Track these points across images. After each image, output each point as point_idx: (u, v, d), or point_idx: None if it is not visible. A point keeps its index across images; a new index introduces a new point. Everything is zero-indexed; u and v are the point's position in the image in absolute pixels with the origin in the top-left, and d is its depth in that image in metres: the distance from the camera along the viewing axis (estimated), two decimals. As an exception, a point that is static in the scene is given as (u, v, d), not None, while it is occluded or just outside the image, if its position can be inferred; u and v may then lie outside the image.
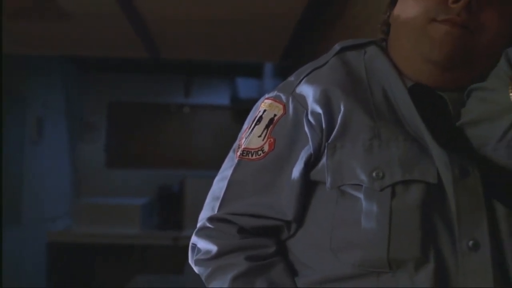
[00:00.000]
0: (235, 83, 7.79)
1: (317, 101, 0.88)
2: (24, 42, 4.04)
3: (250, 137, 0.95)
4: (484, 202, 0.76)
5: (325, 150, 0.85)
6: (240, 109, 7.66)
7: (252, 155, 0.93)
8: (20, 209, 5.20)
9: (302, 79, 0.94)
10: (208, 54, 4.91)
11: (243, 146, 0.95)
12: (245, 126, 1.02)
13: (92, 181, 7.37)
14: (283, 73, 5.39)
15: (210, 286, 0.93)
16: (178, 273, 4.98)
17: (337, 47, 0.97)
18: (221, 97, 8.00)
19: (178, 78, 7.58)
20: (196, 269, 0.97)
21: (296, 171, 0.88)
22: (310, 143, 0.87)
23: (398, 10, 0.92)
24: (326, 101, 0.87)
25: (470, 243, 0.75)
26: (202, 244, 0.94)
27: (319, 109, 0.87)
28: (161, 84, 7.73)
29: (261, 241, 0.91)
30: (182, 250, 5.92)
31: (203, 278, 0.95)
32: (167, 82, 7.65)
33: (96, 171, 7.56)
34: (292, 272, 0.89)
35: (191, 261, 0.99)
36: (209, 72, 7.10)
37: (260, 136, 0.94)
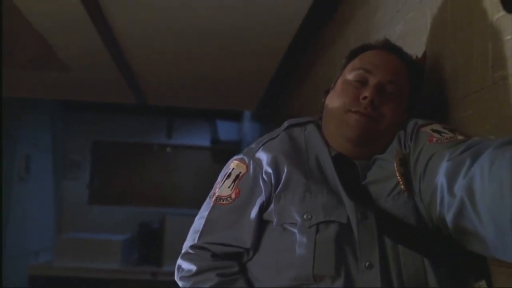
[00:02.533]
0: (216, 125, 8.11)
1: (269, 164, 1.25)
2: (21, 88, 4.36)
3: (222, 187, 1.32)
4: (377, 236, 1.12)
5: (273, 199, 1.22)
6: (220, 150, 7.97)
7: (223, 201, 1.30)
8: (3, 242, 5.33)
9: (260, 147, 1.32)
10: (190, 102, 5.25)
11: (216, 194, 1.32)
12: (219, 179, 1.38)
13: (74, 217, 7.53)
14: (260, 118, 5.72)
15: None
16: None
17: (286, 124, 1.35)
18: (202, 139, 8.30)
19: (161, 119, 7.85)
20: (180, 283, 1.32)
21: (253, 213, 1.24)
22: (263, 193, 1.24)
23: (327, 100, 1.31)
24: (275, 165, 1.25)
25: (367, 264, 1.11)
26: (185, 265, 1.29)
27: (270, 170, 1.24)
28: (144, 125, 7.99)
29: (229, 263, 1.26)
30: (160, 285, 6.11)
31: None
32: (150, 123, 7.91)
33: (79, 207, 7.74)
34: (250, 285, 1.24)
35: (177, 278, 1.33)
36: (191, 115, 7.40)
37: (229, 187, 1.31)
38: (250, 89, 4.31)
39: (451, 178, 0.98)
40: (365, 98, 1.21)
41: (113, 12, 2.74)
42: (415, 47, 1.51)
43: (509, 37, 1.03)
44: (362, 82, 1.24)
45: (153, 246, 6.86)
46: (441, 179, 1.01)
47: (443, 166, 1.01)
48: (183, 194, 7.83)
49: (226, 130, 8.12)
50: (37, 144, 6.40)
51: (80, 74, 3.86)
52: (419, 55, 1.46)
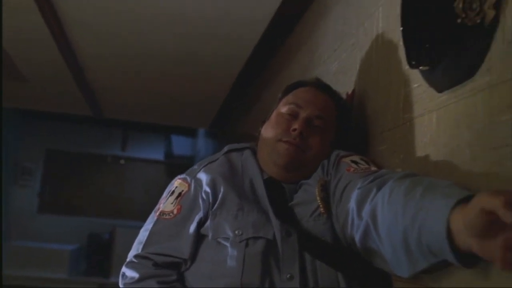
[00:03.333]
0: (170, 140, 8.21)
1: (208, 184, 1.40)
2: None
3: (165, 203, 1.47)
4: (298, 251, 1.28)
5: (210, 216, 1.37)
6: (173, 164, 8.06)
7: (166, 215, 1.44)
8: None
9: (202, 168, 1.47)
10: (146, 117, 5.36)
11: (160, 209, 1.46)
12: (164, 195, 1.52)
13: (23, 225, 7.46)
14: (213, 135, 5.88)
15: None
16: None
17: (226, 149, 1.51)
18: (156, 152, 8.37)
19: (116, 131, 7.88)
20: (121, 285, 1.45)
21: (192, 228, 1.39)
22: (202, 210, 1.39)
23: (263, 130, 1.47)
24: (213, 185, 1.40)
25: (288, 275, 1.27)
26: (128, 273, 1.42)
27: (208, 190, 1.40)
28: (99, 136, 8.01)
29: (168, 271, 1.40)
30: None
31: None
32: (105, 135, 7.93)
33: (28, 215, 7.67)
34: None
35: (121, 285, 1.46)
36: (146, 128, 7.46)
37: (172, 203, 1.45)
38: (204, 108, 4.47)
39: (360, 204, 1.15)
40: (294, 130, 1.38)
41: (73, 28, 2.85)
42: (347, 84, 1.69)
43: (416, 85, 1.21)
44: (293, 116, 1.41)
45: (102, 257, 6.88)
46: (352, 204, 1.18)
47: (355, 193, 1.18)
48: (134, 206, 7.84)
49: (180, 145, 8.22)
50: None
51: (38, 85, 3.94)
52: (350, 92, 1.64)
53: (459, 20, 0.94)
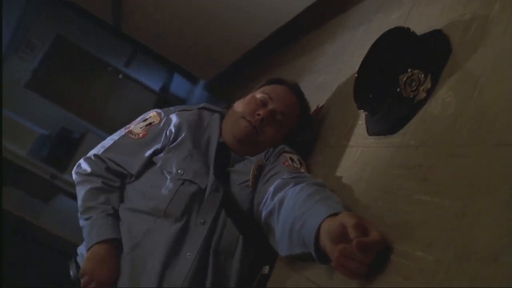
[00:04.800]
0: (172, 77, 8.43)
1: (174, 126, 1.68)
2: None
3: (136, 126, 1.74)
4: (218, 206, 1.57)
5: (165, 150, 1.65)
6: (164, 99, 8.29)
7: (132, 135, 1.72)
8: None
9: (176, 111, 1.75)
10: (159, 47, 5.56)
11: (130, 128, 1.74)
12: (138, 119, 1.80)
13: (7, 95, 7.69)
14: (210, 89, 6.11)
15: (77, 189, 1.69)
16: (42, 201, 5.47)
17: (201, 104, 1.79)
18: (154, 82, 8.56)
19: (126, 47, 8.06)
20: (74, 176, 1.73)
21: (147, 153, 1.67)
22: (161, 143, 1.67)
23: (235, 104, 1.74)
24: (178, 128, 1.68)
25: (202, 220, 1.55)
26: (84, 165, 1.70)
27: (173, 130, 1.67)
28: (110, 44, 8.14)
29: (114, 178, 1.68)
30: (52, 188, 6.37)
31: (76, 183, 1.71)
32: (115, 45, 8.07)
33: (15, 87, 7.88)
34: (121, 200, 1.67)
35: (73, 172, 1.74)
36: (154, 57, 7.64)
37: (141, 128, 1.73)
38: (213, 62, 4.69)
39: (277, 190, 1.43)
40: (259, 114, 1.65)
41: None
42: (322, 98, 1.96)
43: (360, 122, 1.49)
44: (263, 103, 1.69)
45: (64, 152, 7.10)
46: (271, 188, 1.46)
47: (277, 181, 1.46)
48: (112, 120, 8.02)
49: (178, 85, 8.42)
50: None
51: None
52: (320, 105, 1.92)
53: (398, 89, 1.21)
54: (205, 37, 4.09)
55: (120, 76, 8.44)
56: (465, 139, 1.00)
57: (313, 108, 1.90)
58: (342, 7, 2.32)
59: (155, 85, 8.54)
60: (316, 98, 1.95)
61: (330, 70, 2.08)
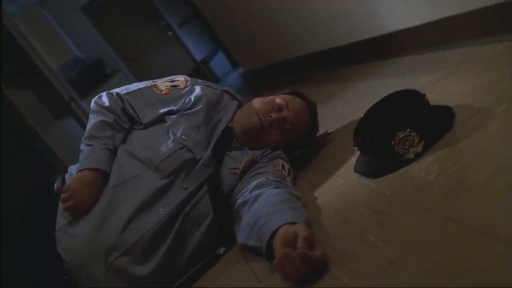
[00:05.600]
0: (216, 53, 8.58)
1: (195, 96, 1.82)
2: None
3: (162, 83, 1.89)
4: (203, 179, 1.69)
5: (178, 113, 1.79)
6: (199, 70, 8.45)
7: (156, 89, 1.86)
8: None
9: (202, 85, 1.89)
10: (214, 22, 5.66)
11: (157, 83, 1.88)
12: (166, 78, 1.94)
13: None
14: (245, 78, 6.24)
15: (90, 116, 1.84)
16: (53, 117, 5.56)
17: (227, 88, 1.93)
18: (198, 50, 8.75)
19: (186, 8, 8.19)
20: (92, 104, 1.87)
21: (162, 111, 1.81)
22: (178, 106, 1.81)
23: (254, 100, 1.87)
24: (198, 99, 1.82)
25: (185, 186, 1.68)
26: (104, 98, 1.85)
27: (192, 99, 1.81)
28: (171, 2, 8.37)
29: (126, 120, 1.83)
30: (69, 108, 6.48)
31: (91, 110, 1.86)
32: (177, 3, 8.25)
33: (71, 5, 8.10)
34: (124, 142, 1.80)
35: (93, 99, 1.88)
36: (208, 30, 7.74)
37: (166, 86, 1.87)
38: (258, 55, 4.83)
39: (257, 186, 1.56)
40: (271, 116, 1.79)
41: None
42: (334, 127, 2.09)
43: (354, 158, 1.62)
44: (279, 108, 1.82)
45: (91, 81, 7.25)
46: (254, 183, 1.59)
47: (262, 179, 1.59)
48: (147, 70, 8.21)
49: (219, 63, 8.58)
50: None
51: None
52: (329, 131, 2.05)
53: (392, 143, 1.34)
54: (261, 31, 4.22)
55: (170, 33, 8.64)
56: (426, 205, 1.13)
57: (322, 131, 2.03)
58: (386, 54, 2.46)
59: (198, 55, 8.71)
60: (329, 124, 2.08)
61: (351, 105, 2.21)
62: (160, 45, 8.65)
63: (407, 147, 1.34)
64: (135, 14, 8.48)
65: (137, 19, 8.51)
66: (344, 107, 2.29)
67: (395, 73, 2.19)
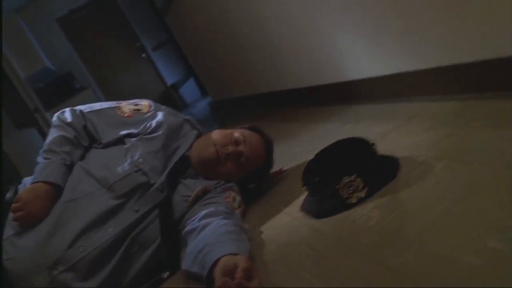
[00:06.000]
0: (187, 79, 8.64)
1: (157, 122, 1.87)
2: None
3: (127, 105, 1.94)
4: (155, 204, 1.73)
5: (138, 137, 1.83)
6: (169, 95, 8.49)
7: (119, 111, 1.91)
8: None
9: (165, 111, 1.94)
10: (187, 49, 5.77)
11: (121, 105, 1.93)
12: (131, 101, 1.99)
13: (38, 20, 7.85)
14: (212, 107, 6.32)
15: (51, 130, 1.87)
16: (15, 125, 5.53)
17: (188, 117, 1.98)
18: (169, 75, 8.80)
19: (162, 33, 8.14)
20: (54, 118, 1.90)
21: (123, 132, 1.85)
22: (138, 130, 1.86)
23: (214, 131, 1.93)
24: (158, 125, 1.87)
25: (137, 208, 1.71)
26: (67, 114, 1.88)
27: (154, 125, 1.86)
28: (149, 22, 8.38)
29: (86, 138, 1.86)
30: (33, 118, 6.45)
31: (52, 124, 1.88)
32: (154, 27, 8.30)
33: (48, 16, 8.08)
34: (82, 158, 1.83)
35: (56, 114, 1.91)
36: (181, 56, 7.78)
37: (129, 109, 1.92)
38: (227, 87, 4.92)
39: (207, 215, 1.60)
40: (227, 149, 1.84)
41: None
42: (289, 165, 2.15)
43: (302, 198, 1.68)
44: (236, 142, 1.87)
45: (59, 94, 7.23)
46: (204, 212, 1.63)
47: (211, 209, 1.63)
48: (116, 89, 8.20)
49: (189, 90, 8.65)
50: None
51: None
52: (284, 169, 2.11)
53: (337, 186, 1.41)
54: (231, 65, 4.33)
55: (144, 55, 8.68)
56: (363, 248, 1.19)
57: (277, 168, 2.09)
58: (346, 100, 2.55)
59: (169, 79, 8.76)
60: (284, 162, 2.15)
61: (307, 146, 2.29)
62: (133, 65, 8.69)
63: (351, 191, 1.41)
64: (111, 33, 8.52)
65: (112, 37, 8.55)
66: (300, 147, 2.37)
67: (351, 120, 2.28)
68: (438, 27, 1.81)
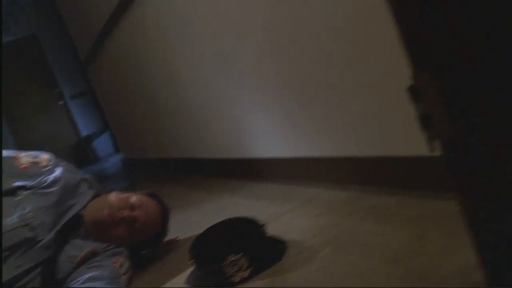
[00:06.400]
0: (102, 133, 8.48)
1: (54, 177, 1.85)
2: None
3: (26, 157, 1.91)
4: (40, 260, 1.68)
5: (32, 190, 1.80)
6: (82, 148, 8.33)
7: (17, 161, 1.88)
8: None
9: (65, 168, 1.92)
10: (105, 104, 5.75)
11: (20, 155, 1.90)
12: (33, 152, 1.96)
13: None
14: (124, 163, 6.24)
15: None
16: None
17: (87, 176, 1.97)
18: (84, 127, 8.66)
19: (82, 84, 7.94)
20: None
21: (19, 183, 1.81)
22: (33, 183, 1.82)
23: (111, 193, 1.92)
24: (55, 181, 1.85)
25: (19, 265, 1.65)
26: None
27: (50, 179, 1.84)
28: (71, 71, 8.33)
29: None
30: None
31: None
32: (74, 76, 8.21)
33: None
34: None
35: None
36: (98, 108, 7.66)
37: (28, 161, 1.90)
38: (140, 147, 4.92)
39: (91, 279, 1.59)
40: (122, 213, 1.83)
41: None
42: (185, 235, 2.16)
43: (190, 270, 1.69)
44: (132, 207, 1.86)
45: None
46: (89, 275, 1.61)
47: (96, 273, 1.62)
48: (26, 132, 7.93)
49: (103, 144, 8.47)
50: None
51: None
52: (178, 238, 2.11)
53: (223, 263, 1.44)
54: (147, 126, 4.35)
55: (61, 102, 8.50)
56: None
57: (172, 236, 2.09)
58: (251, 176, 2.62)
59: (84, 130, 8.60)
60: (181, 231, 2.15)
61: (205, 217, 2.31)
62: (48, 111, 8.49)
63: (235, 270, 1.44)
64: (32, 74, 8.35)
65: (32, 79, 8.37)
66: (198, 217, 2.38)
67: (252, 196, 2.34)
68: (333, 120, 1.92)
